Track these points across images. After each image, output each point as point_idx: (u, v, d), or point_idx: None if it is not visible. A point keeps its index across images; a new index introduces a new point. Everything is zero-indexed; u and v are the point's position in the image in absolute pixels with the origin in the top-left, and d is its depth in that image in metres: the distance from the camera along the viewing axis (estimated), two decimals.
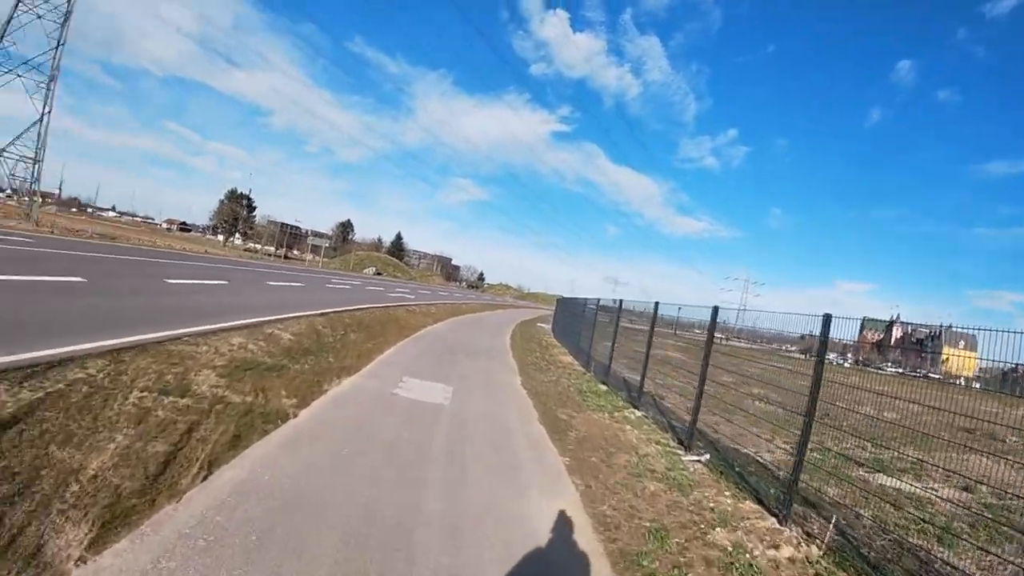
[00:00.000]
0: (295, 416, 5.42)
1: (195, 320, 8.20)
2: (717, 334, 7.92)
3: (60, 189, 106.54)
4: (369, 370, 8.92)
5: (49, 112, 28.18)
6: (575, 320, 19.63)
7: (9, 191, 34.98)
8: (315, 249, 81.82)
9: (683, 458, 6.90)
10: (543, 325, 33.78)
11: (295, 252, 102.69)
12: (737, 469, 6.72)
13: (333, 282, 30.41)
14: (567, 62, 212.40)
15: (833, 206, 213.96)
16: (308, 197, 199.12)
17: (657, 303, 10.83)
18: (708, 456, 7.04)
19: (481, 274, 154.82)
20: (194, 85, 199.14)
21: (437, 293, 48.32)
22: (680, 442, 7.67)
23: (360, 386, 7.50)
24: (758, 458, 7.42)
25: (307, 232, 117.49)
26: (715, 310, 7.90)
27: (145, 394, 4.71)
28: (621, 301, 13.13)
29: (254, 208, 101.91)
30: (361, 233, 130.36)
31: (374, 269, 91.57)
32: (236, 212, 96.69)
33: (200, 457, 3.98)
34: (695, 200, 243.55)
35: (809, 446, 5.17)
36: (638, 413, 9.44)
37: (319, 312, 13.19)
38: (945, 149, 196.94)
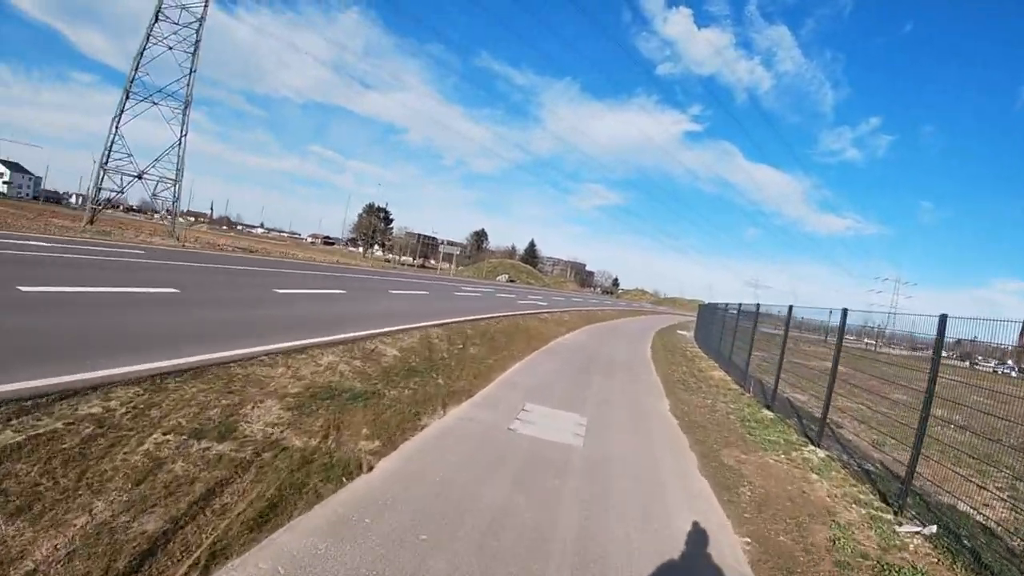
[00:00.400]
0: (369, 469, 4.00)
1: (286, 334, 7.29)
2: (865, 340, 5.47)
3: (211, 209, 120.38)
4: (485, 394, 7.44)
5: (185, 136, 30.76)
6: (724, 329, 16.94)
7: (163, 212, 39.14)
8: (447, 257, 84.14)
9: (898, 530, 4.85)
10: (684, 333, 30.75)
11: (431, 261, 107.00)
12: (968, 543, 4.62)
13: (463, 290, 30.07)
14: (694, 59, 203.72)
15: (988, 197, 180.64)
16: (444, 208, 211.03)
17: (845, 310, 8.24)
18: (934, 528, 4.72)
19: (615, 280, 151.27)
20: (332, 108, 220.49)
21: (571, 300, 46.76)
22: (884, 499, 5.59)
23: (470, 418, 6.05)
24: (984, 521, 5.14)
25: (443, 241, 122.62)
26: (943, 319, 5.25)
27: (169, 437, 3.58)
28: (791, 308, 10.60)
29: (391, 220, 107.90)
30: (495, 241, 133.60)
31: (507, 276, 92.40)
32: (374, 224, 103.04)
33: (203, 544, 2.61)
34: (838, 196, 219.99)
35: None
36: (821, 454, 7.11)
37: (438, 323, 12.15)
38: None
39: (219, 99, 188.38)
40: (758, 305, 12.68)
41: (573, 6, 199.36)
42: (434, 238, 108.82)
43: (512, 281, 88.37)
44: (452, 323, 12.79)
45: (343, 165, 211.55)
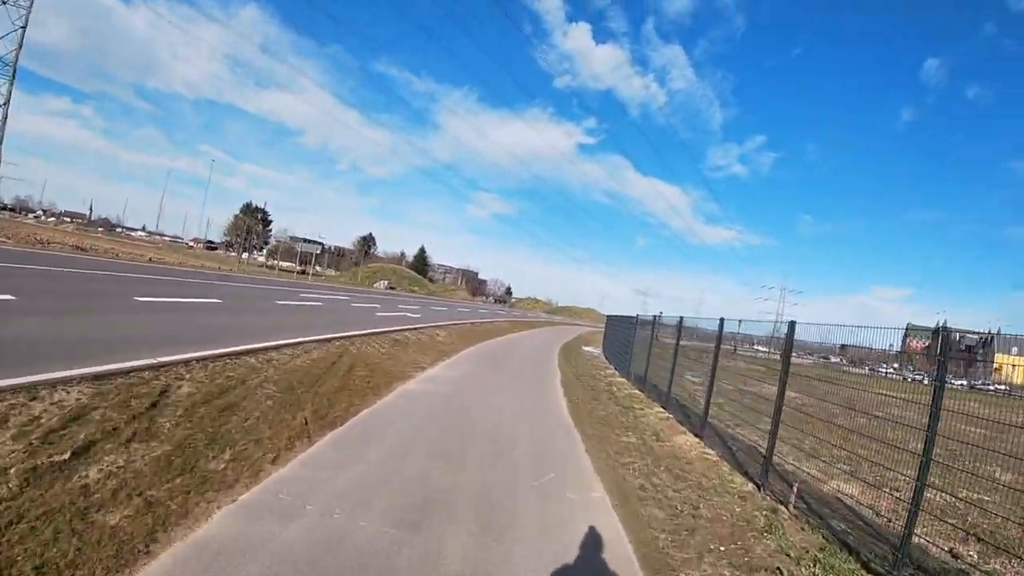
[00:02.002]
0: None
1: None
2: None
3: (91, 209, 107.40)
4: None
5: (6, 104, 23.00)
6: (645, 348, 11.35)
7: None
8: (306, 257, 74.39)
9: None
10: (591, 350, 25.27)
11: (316, 268, 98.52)
12: None
13: (306, 296, 22.38)
14: (591, 74, 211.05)
15: (866, 210, 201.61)
16: (338, 214, 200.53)
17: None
18: None
19: (508, 288, 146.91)
20: (225, 107, 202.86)
21: (456, 310, 40.14)
22: None
23: None
24: None
25: (330, 247, 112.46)
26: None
27: None
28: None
29: (270, 222, 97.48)
30: (387, 248, 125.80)
31: (386, 283, 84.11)
32: (250, 226, 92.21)
33: None
34: (725, 208, 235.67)
35: None
36: None
37: (161, 361, 5.23)
38: (980, 147, 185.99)
39: (108, 92, 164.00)
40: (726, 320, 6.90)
41: (475, 16, 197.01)
42: (320, 243, 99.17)
43: (392, 288, 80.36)
44: (202, 358, 5.98)
45: (234, 167, 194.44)
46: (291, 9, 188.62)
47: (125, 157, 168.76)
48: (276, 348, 8.88)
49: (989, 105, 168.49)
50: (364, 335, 12.70)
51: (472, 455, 5.53)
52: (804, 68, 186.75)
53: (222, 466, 4.57)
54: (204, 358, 7.06)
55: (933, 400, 4.31)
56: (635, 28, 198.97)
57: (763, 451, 7.49)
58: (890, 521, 5.56)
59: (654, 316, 12.89)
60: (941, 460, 7.00)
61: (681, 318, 10.24)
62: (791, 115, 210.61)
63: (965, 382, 27.34)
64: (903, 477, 7.27)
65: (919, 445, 4.72)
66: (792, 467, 6.57)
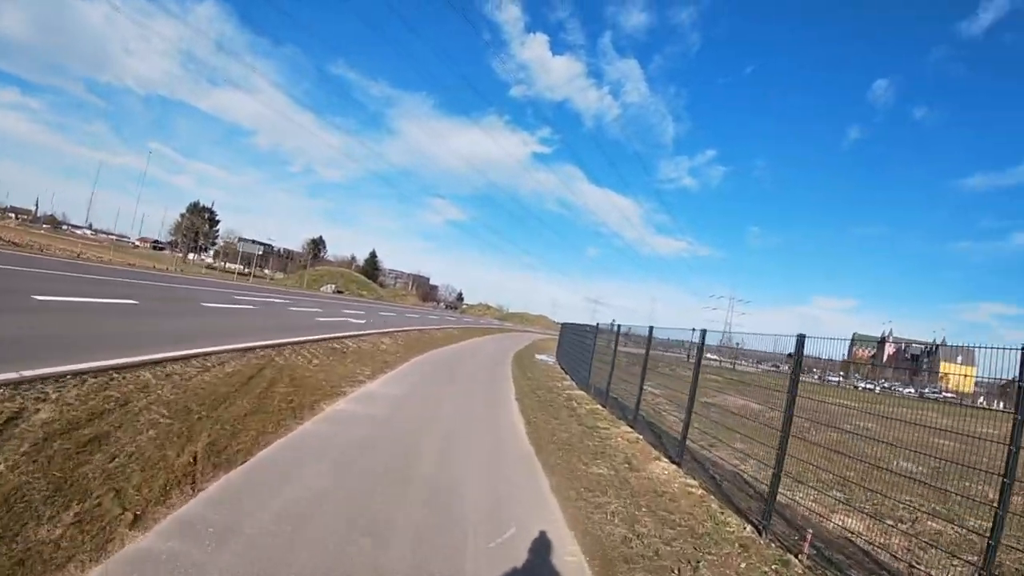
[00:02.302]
0: None
1: None
2: None
3: (36, 206, 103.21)
4: None
5: None
6: (607, 360, 10.42)
7: None
8: (247, 257, 70.79)
9: None
10: (544, 358, 24.30)
11: (265, 270, 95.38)
12: None
13: (236, 299, 20.44)
14: (547, 84, 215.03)
15: (812, 224, 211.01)
16: (290, 216, 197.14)
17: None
18: None
19: (460, 294, 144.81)
20: (177, 104, 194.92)
21: (405, 315, 38.47)
22: None
23: None
24: None
25: (279, 250, 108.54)
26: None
27: None
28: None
29: (217, 222, 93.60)
30: (338, 251, 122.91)
31: (334, 287, 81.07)
32: (197, 226, 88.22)
33: None
34: (675, 220, 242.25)
35: None
36: None
37: None
38: (925, 165, 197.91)
39: (59, 86, 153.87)
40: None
41: (433, 22, 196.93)
42: (262, 243, 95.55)
43: (340, 292, 77.52)
44: (81, 372, 4.63)
45: (184, 165, 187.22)
46: (248, 7, 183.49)
47: (73, 152, 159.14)
48: (183, 359, 7.41)
49: (934, 126, 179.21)
50: (296, 343, 11.23)
51: (409, 507, 4.30)
52: (755, 86, 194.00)
53: (58, 532, 3.29)
54: (84, 372, 5.61)
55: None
56: (592, 41, 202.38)
57: (746, 476, 6.56)
58: (912, 567, 4.70)
59: (618, 325, 11.95)
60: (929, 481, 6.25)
61: (651, 328, 9.28)
62: (741, 131, 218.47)
63: (913, 390, 27.82)
64: (903, 505, 6.48)
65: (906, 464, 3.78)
66: (785, 498, 5.64)
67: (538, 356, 25.26)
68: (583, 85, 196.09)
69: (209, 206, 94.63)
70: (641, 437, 8.36)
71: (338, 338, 13.81)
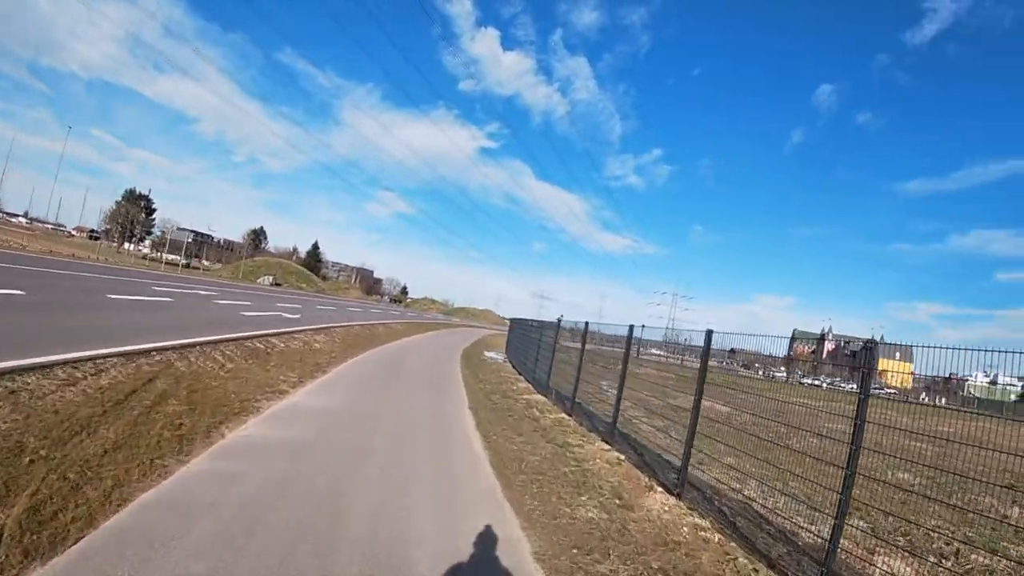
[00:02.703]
0: None
1: None
2: None
3: None
4: None
5: None
6: (572, 363, 9.23)
7: None
8: (180, 247, 66.66)
9: None
10: (493, 355, 22.96)
11: (204, 261, 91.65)
12: None
13: (154, 290, 17.93)
14: (496, 80, 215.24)
15: (754, 223, 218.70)
16: (233, 206, 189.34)
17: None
18: None
19: (404, 288, 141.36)
20: (121, 90, 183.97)
21: (346, 310, 36.13)
22: None
23: None
24: None
25: (219, 240, 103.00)
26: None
27: None
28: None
29: (153, 211, 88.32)
30: (283, 243, 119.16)
31: (271, 278, 76.74)
32: (132, 215, 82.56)
33: None
34: (620, 217, 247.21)
35: None
36: None
37: None
38: (866, 169, 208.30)
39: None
40: None
41: (384, 12, 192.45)
42: (194, 231, 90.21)
43: (278, 284, 73.48)
44: None
45: (126, 153, 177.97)
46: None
47: (15, 139, 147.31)
48: (43, 368, 5.57)
49: (876, 131, 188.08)
50: (210, 343, 9.37)
51: None
52: (703, 87, 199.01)
53: None
54: None
55: None
56: (543, 38, 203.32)
57: (759, 506, 5.36)
58: None
59: (585, 323, 10.64)
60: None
61: (631, 327, 7.99)
62: (688, 131, 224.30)
63: (855, 386, 28.12)
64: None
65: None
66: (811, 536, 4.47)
67: (487, 353, 23.82)
68: (533, 81, 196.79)
69: (146, 194, 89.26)
70: (623, 457, 7.06)
71: (263, 336, 11.92)
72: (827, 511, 4.19)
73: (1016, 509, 7.23)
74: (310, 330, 15.63)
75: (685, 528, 4.76)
